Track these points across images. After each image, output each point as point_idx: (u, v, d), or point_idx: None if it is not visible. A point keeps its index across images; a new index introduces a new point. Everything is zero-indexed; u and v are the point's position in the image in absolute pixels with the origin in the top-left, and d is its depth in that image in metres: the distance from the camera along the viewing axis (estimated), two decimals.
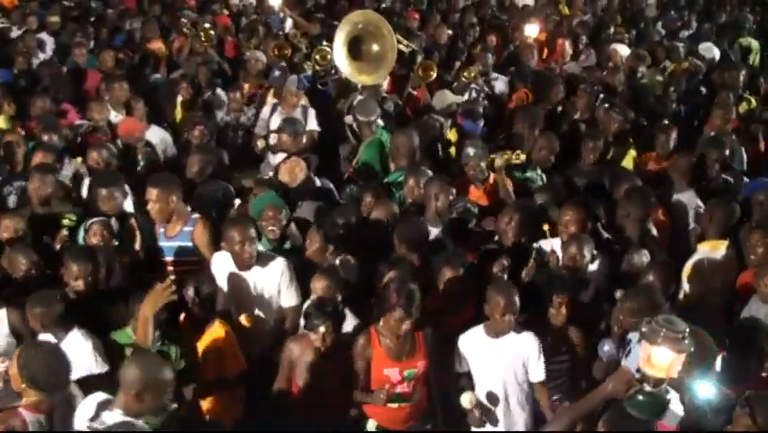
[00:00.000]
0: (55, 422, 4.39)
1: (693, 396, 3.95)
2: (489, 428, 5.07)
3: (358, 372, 4.98)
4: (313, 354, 4.95)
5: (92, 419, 3.95)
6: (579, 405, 4.21)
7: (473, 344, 5.06)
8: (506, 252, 5.79)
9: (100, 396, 4.08)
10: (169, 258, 5.94)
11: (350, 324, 5.22)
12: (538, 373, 5.01)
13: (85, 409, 4.05)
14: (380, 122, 8.15)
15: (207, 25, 10.60)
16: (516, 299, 4.92)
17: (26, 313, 4.95)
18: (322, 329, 4.86)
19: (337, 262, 5.66)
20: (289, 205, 6.32)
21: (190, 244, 5.91)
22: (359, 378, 4.98)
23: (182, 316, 5.27)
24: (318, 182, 7.09)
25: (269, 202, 6.10)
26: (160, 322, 4.95)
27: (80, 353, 4.86)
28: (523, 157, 7.03)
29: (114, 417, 3.91)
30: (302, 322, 5.07)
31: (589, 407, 4.14)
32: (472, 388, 5.05)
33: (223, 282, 5.59)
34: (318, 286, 5.26)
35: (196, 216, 6.03)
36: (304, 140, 7.78)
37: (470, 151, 7.07)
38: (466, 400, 4.92)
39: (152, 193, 5.88)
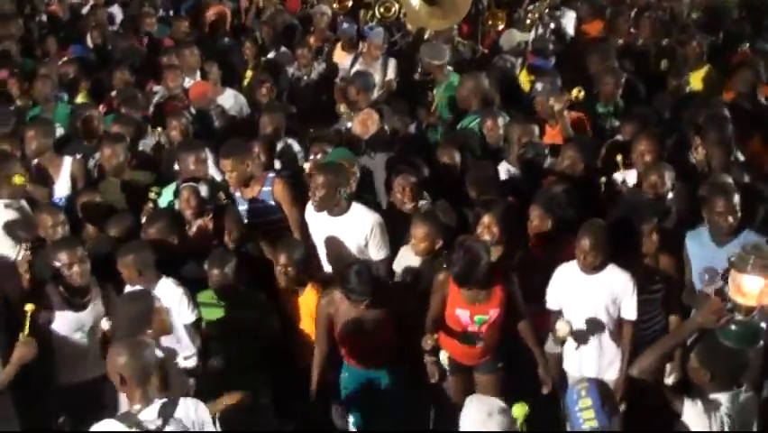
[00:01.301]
0: None
1: None
2: (582, 364, 5.10)
3: (433, 305, 5.01)
4: (355, 311, 4.96)
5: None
6: (669, 337, 4.18)
7: (567, 278, 5.05)
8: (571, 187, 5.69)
9: None
10: (247, 220, 5.97)
11: None
12: (630, 311, 4.97)
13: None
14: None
15: None
16: (602, 240, 4.87)
17: (117, 263, 5.08)
18: (362, 307, 4.89)
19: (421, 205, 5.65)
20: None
21: (271, 202, 5.96)
22: (434, 310, 5.00)
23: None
24: (413, 128, 7.06)
25: (342, 156, 6.12)
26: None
27: (172, 299, 5.02)
28: (581, 93, 6.90)
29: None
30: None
31: (679, 339, 4.09)
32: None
33: (313, 228, 5.68)
34: (419, 233, 5.25)
35: (271, 174, 6.08)
36: (375, 94, 7.74)
37: (539, 86, 6.99)
38: (563, 329, 4.92)
39: (227, 163, 5.90)
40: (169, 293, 5.07)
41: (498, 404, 3.86)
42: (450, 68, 8.06)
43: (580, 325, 5.00)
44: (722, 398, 3.93)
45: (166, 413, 3.79)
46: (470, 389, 5.10)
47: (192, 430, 3.82)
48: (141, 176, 6.42)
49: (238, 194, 6.07)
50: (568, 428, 3.79)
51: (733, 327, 3.68)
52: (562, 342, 5.01)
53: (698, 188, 5.66)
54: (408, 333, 5.01)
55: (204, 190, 5.80)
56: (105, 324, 4.95)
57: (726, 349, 3.81)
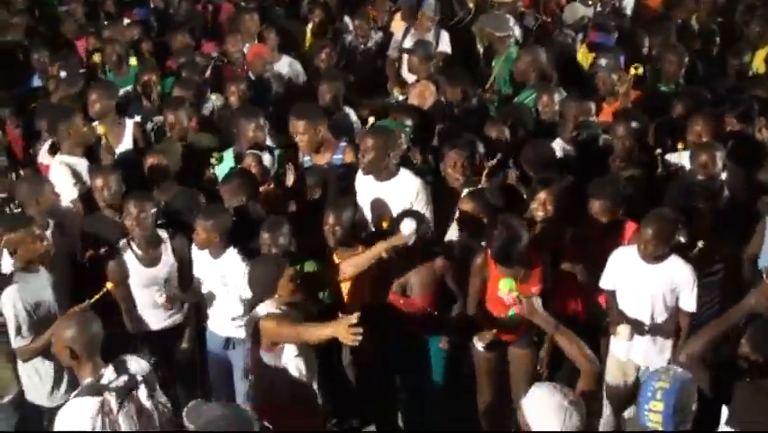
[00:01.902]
0: None
1: None
2: (631, 350, 5.07)
3: (473, 289, 5.06)
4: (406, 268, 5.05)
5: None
6: (720, 321, 4.14)
7: (626, 263, 4.98)
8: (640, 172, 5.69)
9: None
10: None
11: None
12: (690, 303, 4.90)
13: None
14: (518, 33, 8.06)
15: None
16: (666, 231, 4.77)
17: (197, 226, 5.16)
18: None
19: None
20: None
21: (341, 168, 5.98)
22: (475, 294, 5.07)
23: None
24: (474, 101, 7.04)
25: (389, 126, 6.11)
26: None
27: (235, 272, 5.14)
28: (639, 70, 6.81)
29: None
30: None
31: (730, 322, 4.07)
32: (615, 307, 5.03)
33: (361, 194, 5.70)
34: (466, 209, 5.29)
35: (343, 143, 6.12)
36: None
37: (602, 62, 6.92)
38: (623, 333, 4.89)
39: (299, 125, 5.93)
40: (233, 265, 5.18)
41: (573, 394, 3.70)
42: (512, 40, 8.00)
43: (633, 311, 4.97)
44: None
45: (124, 371, 3.89)
46: (503, 364, 5.24)
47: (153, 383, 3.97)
48: (204, 139, 6.52)
49: (307, 158, 6.10)
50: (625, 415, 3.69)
51: None
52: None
53: (757, 169, 5.61)
54: (449, 302, 5.11)
55: (267, 159, 5.86)
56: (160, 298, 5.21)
57: None
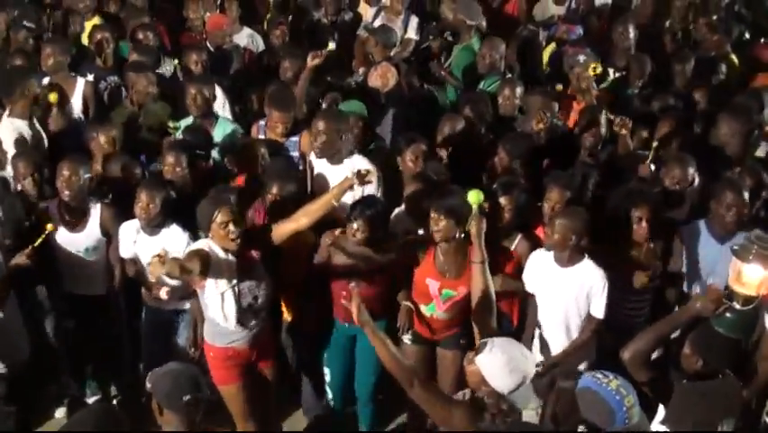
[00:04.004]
0: None
1: None
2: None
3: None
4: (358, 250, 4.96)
5: None
6: (663, 323, 4.09)
7: (541, 266, 4.92)
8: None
9: None
10: None
11: None
12: (598, 309, 4.83)
13: None
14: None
15: None
16: (571, 234, 4.70)
17: (136, 201, 5.03)
18: (355, 225, 4.84)
19: None
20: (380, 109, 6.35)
21: (295, 153, 5.94)
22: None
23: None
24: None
25: (353, 109, 6.09)
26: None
27: (178, 244, 5.03)
28: (597, 70, 6.68)
29: None
30: None
31: (674, 326, 4.03)
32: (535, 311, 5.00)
33: (314, 177, 5.66)
34: (412, 190, 5.27)
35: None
36: (393, 51, 7.63)
37: (581, 58, 6.84)
38: None
39: (278, 116, 5.87)
40: (175, 238, 5.09)
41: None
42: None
43: (546, 316, 4.93)
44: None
45: None
46: (430, 363, 5.12)
47: None
48: (159, 107, 6.35)
49: (262, 136, 6.02)
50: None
51: (729, 315, 3.64)
52: None
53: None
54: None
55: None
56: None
57: (721, 338, 3.77)
